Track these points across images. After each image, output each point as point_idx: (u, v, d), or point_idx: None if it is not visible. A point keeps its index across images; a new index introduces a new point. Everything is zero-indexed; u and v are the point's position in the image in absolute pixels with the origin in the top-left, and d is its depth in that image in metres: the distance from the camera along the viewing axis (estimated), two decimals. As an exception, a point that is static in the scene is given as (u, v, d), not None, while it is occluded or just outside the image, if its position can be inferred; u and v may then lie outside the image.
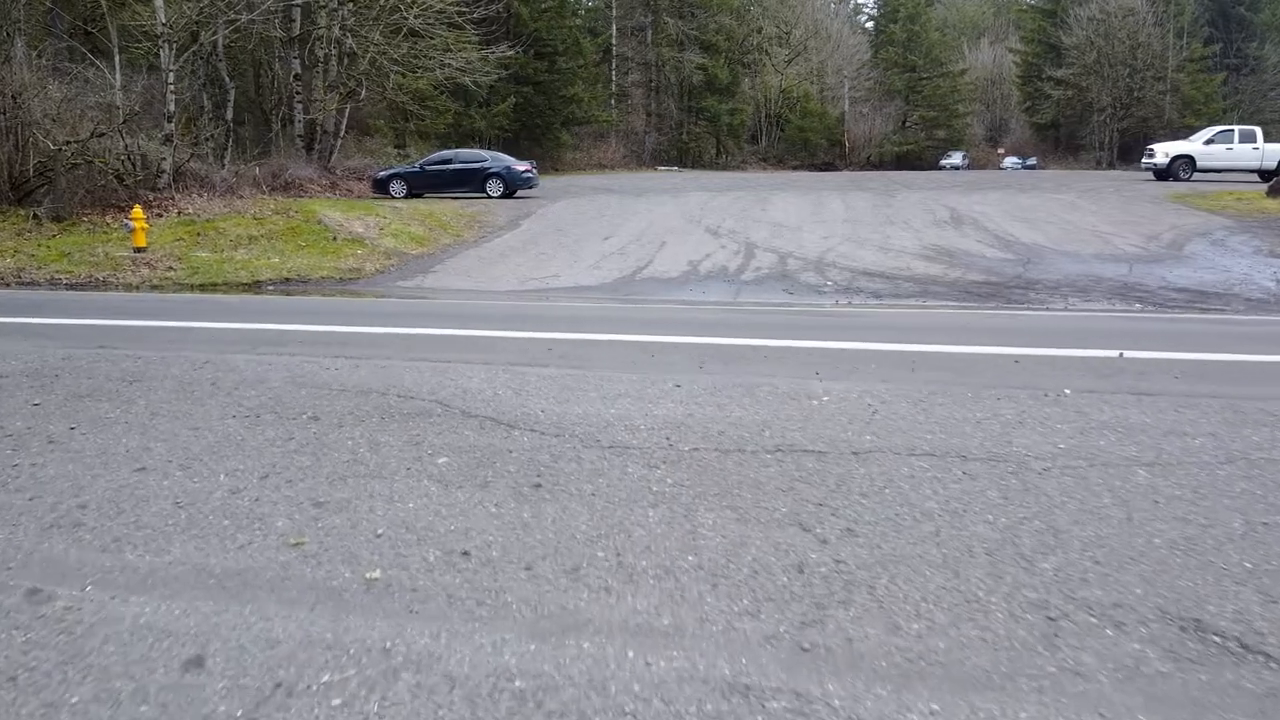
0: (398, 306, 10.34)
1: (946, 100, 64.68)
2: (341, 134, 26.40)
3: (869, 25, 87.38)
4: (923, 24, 67.05)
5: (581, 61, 48.34)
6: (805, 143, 66.09)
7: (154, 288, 12.45)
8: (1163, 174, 27.99)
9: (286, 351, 6.26)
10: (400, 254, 14.67)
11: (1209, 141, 27.81)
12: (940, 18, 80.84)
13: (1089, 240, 14.86)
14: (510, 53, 30.56)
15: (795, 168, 64.76)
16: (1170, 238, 14.98)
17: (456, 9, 27.09)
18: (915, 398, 4.72)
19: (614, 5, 57.21)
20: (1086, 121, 64.30)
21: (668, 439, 3.97)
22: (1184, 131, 62.60)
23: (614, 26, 57.35)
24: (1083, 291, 11.21)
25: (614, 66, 57.36)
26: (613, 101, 55.45)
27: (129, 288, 12.44)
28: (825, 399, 4.71)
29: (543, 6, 44.05)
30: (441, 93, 31.86)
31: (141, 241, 14.03)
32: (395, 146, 34.35)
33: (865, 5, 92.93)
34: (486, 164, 22.82)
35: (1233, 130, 27.73)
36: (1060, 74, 62.36)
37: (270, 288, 12.53)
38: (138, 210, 14.17)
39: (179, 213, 16.21)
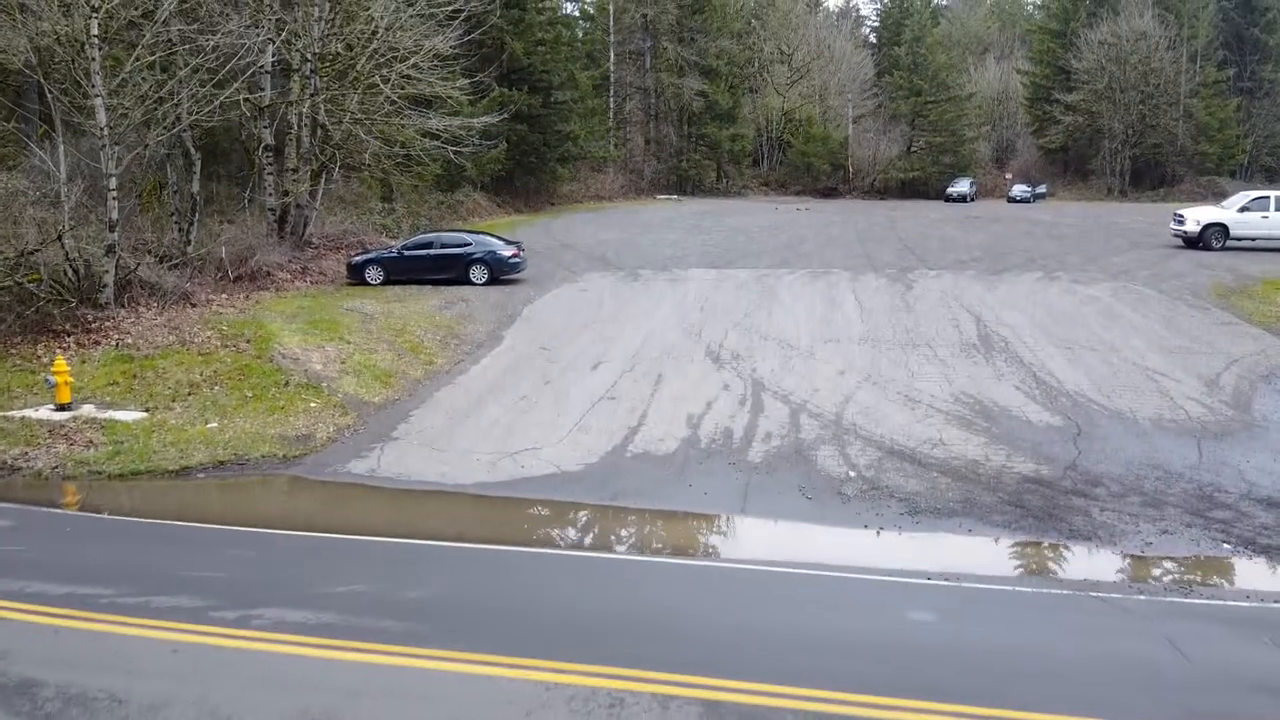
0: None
1: (954, 125, 62.80)
2: (317, 205, 24.63)
3: (871, 39, 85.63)
4: (928, 46, 65.19)
5: (578, 94, 46.49)
6: (808, 167, 64.34)
7: (67, 478, 10.73)
8: (1193, 241, 26.27)
9: None
10: (361, 404, 12.96)
11: (1243, 209, 26.05)
12: (944, 33, 79.03)
13: (1141, 388, 13.12)
14: (501, 119, 28.82)
15: (799, 192, 62.97)
16: (1232, 384, 13.26)
17: (445, 63, 25.36)
18: None
19: (611, 32, 55.47)
20: (1097, 147, 62.53)
21: None
22: (1198, 159, 61.10)
23: (612, 53, 55.60)
24: (1155, 505, 9.49)
25: (612, 93, 55.60)
26: (610, 133, 53.61)
27: (36, 477, 10.71)
28: None
29: (536, 39, 42.25)
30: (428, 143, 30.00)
31: (65, 397, 12.31)
32: (382, 199, 32.59)
33: (868, 18, 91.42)
34: (470, 249, 21.01)
35: (1268, 197, 25.94)
36: (1070, 99, 60.58)
37: (200, 475, 10.80)
38: (60, 363, 12.44)
39: (118, 343, 14.48)
